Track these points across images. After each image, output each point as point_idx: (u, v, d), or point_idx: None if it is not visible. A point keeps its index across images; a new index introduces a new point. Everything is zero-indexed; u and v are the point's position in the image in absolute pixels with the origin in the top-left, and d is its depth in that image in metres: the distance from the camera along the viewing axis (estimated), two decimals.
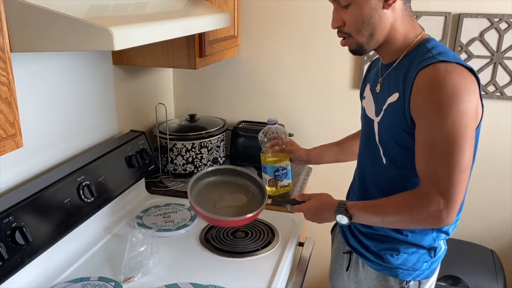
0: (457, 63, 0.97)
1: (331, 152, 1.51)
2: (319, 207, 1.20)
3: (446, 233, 1.16)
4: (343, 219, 1.12)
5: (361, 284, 1.25)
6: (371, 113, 1.18)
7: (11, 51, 0.81)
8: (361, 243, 1.23)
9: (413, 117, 1.00)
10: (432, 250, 1.17)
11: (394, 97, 1.06)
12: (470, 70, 0.98)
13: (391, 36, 1.07)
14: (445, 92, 0.94)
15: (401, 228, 1.13)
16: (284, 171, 1.63)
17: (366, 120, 1.21)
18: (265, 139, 1.60)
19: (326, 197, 1.23)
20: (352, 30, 1.07)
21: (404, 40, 1.08)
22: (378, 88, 1.15)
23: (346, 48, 1.13)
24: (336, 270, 1.38)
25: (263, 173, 1.64)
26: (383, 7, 1.02)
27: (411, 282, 1.17)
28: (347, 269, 1.30)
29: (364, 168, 1.24)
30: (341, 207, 1.12)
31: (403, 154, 1.08)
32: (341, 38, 1.11)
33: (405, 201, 1.04)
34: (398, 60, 1.09)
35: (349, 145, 1.48)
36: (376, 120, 1.14)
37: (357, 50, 1.10)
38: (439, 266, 1.23)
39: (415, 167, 1.05)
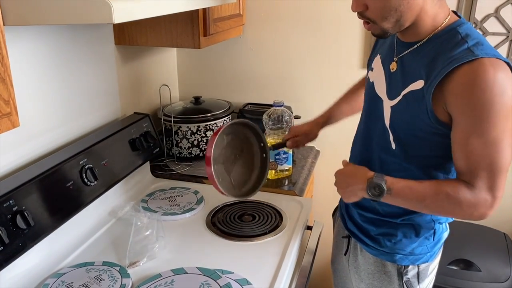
0: (496, 57, 0.90)
1: (342, 113, 1.47)
2: (353, 173, 1.07)
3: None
4: (376, 191, 1.00)
5: (360, 269, 1.22)
6: (381, 92, 1.10)
7: (4, 25, 0.76)
8: (359, 227, 1.20)
9: (452, 114, 0.94)
10: (430, 231, 1.13)
11: (418, 84, 0.98)
12: (508, 63, 0.92)
13: (419, 19, 0.98)
14: (493, 93, 0.88)
15: (435, 215, 1.10)
16: (285, 155, 1.61)
17: (373, 97, 1.13)
18: (270, 121, 1.57)
19: (359, 166, 1.10)
20: (377, 17, 0.97)
21: (433, 22, 0.98)
22: (393, 67, 1.07)
23: (355, 27, 1.07)
24: (336, 254, 1.36)
25: None
26: None
27: (410, 267, 1.14)
28: (345, 254, 1.28)
29: (369, 151, 1.16)
30: (380, 177, 1.01)
31: (419, 143, 1.03)
32: (363, 21, 1.02)
33: (454, 191, 0.96)
34: (422, 42, 1.01)
35: (357, 99, 1.43)
36: (390, 103, 1.06)
37: (381, 35, 1.01)
38: (440, 250, 1.19)
39: (430, 156, 1.02)
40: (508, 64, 0.91)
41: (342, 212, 1.28)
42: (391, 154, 1.08)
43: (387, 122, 1.07)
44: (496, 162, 0.93)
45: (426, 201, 0.98)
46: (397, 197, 1.00)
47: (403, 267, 1.14)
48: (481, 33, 1.73)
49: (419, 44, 1.01)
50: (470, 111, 0.91)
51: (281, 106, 1.59)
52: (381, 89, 1.11)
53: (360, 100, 1.32)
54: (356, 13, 1.01)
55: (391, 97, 1.06)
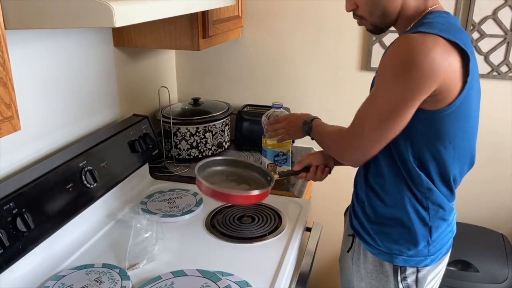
0: (433, 33, 0.93)
1: None
2: (296, 116, 1.35)
3: (441, 207, 1.10)
4: (307, 127, 1.28)
5: (360, 268, 1.23)
6: None
7: (5, 28, 0.76)
8: (362, 225, 1.20)
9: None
10: (425, 233, 1.10)
11: None
12: (450, 41, 0.93)
13: (402, 12, 1.06)
14: (402, 58, 0.94)
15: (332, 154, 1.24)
16: (284, 157, 1.61)
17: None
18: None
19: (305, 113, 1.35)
20: (364, 12, 1.08)
21: (415, 13, 1.06)
22: None
23: (354, 28, 1.13)
24: (343, 252, 1.37)
25: (262, 157, 1.64)
26: None
27: (409, 270, 1.14)
28: (348, 251, 1.29)
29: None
30: (312, 117, 1.30)
31: None
32: (356, 20, 1.13)
33: (339, 132, 1.15)
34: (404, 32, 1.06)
35: None
36: None
37: (374, 30, 1.13)
38: (445, 257, 1.18)
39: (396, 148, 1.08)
40: (455, 44, 0.94)
41: (350, 210, 1.29)
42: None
43: None
44: (366, 108, 1.05)
45: (324, 137, 1.22)
46: (315, 133, 1.26)
47: (400, 268, 1.14)
48: (478, 35, 1.75)
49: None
50: (380, 73, 1.02)
51: (279, 107, 1.59)
52: None
53: None
54: (352, 14, 1.12)
55: None
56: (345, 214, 1.44)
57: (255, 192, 1.27)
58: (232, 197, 1.28)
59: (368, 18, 1.09)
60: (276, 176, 1.42)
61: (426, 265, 1.14)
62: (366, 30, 1.16)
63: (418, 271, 1.14)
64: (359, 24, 1.14)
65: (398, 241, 1.13)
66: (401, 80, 0.95)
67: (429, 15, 1.03)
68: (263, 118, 1.60)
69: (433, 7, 1.05)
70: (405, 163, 1.06)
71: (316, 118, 1.30)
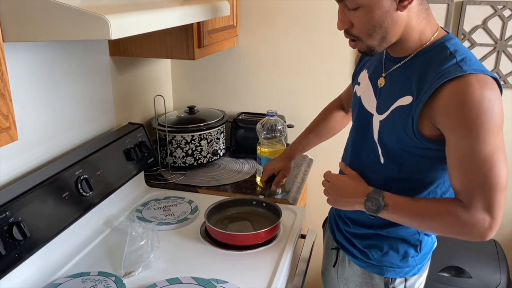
0: (484, 73, 0.91)
1: (311, 145, 1.54)
2: (352, 185, 1.10)
3: None
4: (373, 205, 1.02)
5: (348, 281, 1.23)
6: (370, 106, 1.11)
7: (3, 41, 0.78)
8: (347, 239, 1.21)
9: (444, 132, 0.94)
10: (417, 243, 1.12)
11: (406, 100, 0.99)
12: (495, 79, 0.92)
13: (405, 35, 0.98)
14: (481, 110, 0.88)
15: (431, 232, 1.11)
16: None
17: (362, 112, 1.14)
18: (263, 131, 1.61)
19: (359, 178, 1.12)
20: (362, 34, 0.97)
21: (420, 37, 0.99)
22: (381, 83, 1.08)
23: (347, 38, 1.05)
24: (326, 266, 1.37)
25: (257, 164, 1.66)
26: (397, 9, 0.93)
27: (397, 280, 1.14)
28: (334, 265, 1.29)
29: (358, 163, 1.17)
30: (378, 193, 1.03)
31: (409, 158, 1.03)
32: (349, 39, 1.02)
33: (450, 210, 0.96)
34: (410, 57, 1.01)
35: (325, 132, 1.51)
36: (379, 117, 1.07)
37: (368, 52, 1.02)
38: (428, 263, 1.20)
39: (423, 171, 1.03)
40: (495, 79, 0.92)
41: (331, 224, 1.29)
42: (380, 167, 1.09)
43: (375, 136, 1.08)
44: (490, 181, 0.91)
45: (422, 219, 1.00)
46: (394, 213, 1.02)
47: (391, 279, 1.14)
48: (469, 44, 1.78)
49: (407, 59, 1.02)
50: (459, 129, 0.91)
51: (274, 116, 1.61)
52: (369, 104, 1.12)
53: (327, 129, 1.49)
54: (343, 31, 1.01)
55: (380, 111, 1.07)
56: (323, 226, 1.45)
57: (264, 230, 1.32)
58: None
59: (364, 40, 0.98)
60: (261, 197, 1.49)
61: (414, 274, 1.15)
62: (359, 51, 1.04)
63: (406, 280, 1.15)
64: (352, 46, 1.02)
65: (389, 253, 1.13)
66: (491, 126, 0.90)
67: (447, 43, 0.98)
68: (258, 126, 1.62)
69: (438, 30, 1.01)
70: (422, 183, 1.05)
71: (382, 192, 1.03)
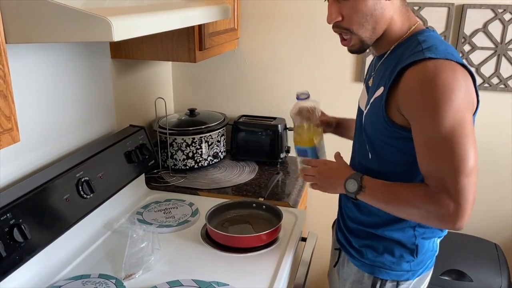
0: (447, 58, 0.92)
1: (344, 125, 1.44)
2: (336, 168, 1.14)
3: (432, 231, 1.10)
4: (352, 186, 1.05)
5: (347, 281, 1.23)
6: (362, 104, 1.16)
7: (6, 43, 0.78)
8: (347, 239, 1.21)
9: (406, 117, 0.96)
10: (413, 247, 1.10)
11: (380, 91, 1.03)
12: (462, 65, 0.93)
13: (388, 28, 1.04)
14: (436, 91, 0.89)
15: (406, 219, 1.07)
16: (323, 149, 1.37)
17: (359, 111, 1.20)
18: (298, 118, 1.36)
19: (346, 164, 1.17)
20: (353, 24, 1.01)
21: (399, 31, 1.04)
22: (371, 82, 1.13)
23: None
24: (331, 266, 1.37)
25: (299, 157, 1.34)
26: None
27: (388, 283, 1.13)
28: (334, 265, 1.29)
29: (354, 158, 1.21)
30: (358, 175, 1.05)
31: (387, 148, 1.04)
32: (341, 38, 1.06)
33: (417, 194, 0.96)
34: (388, 52, 1.06)
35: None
36: (364, 112, 1.11)
37: (359, 48, 1.06)
38: (428, 272, 1.17)
39: (400, 163, 1.03)
40: (464, 66, 0.92)
41: (336, 224, 1.30)
42: (368, 163, 1.11)
43: (364, 130, 1.12)
44: (452, 163, 0.89)
45: (396, 204, 1.00)
46: (369, 195, 1.04)
47: (380, 280, 1.13)
48: (469, 47, 1.78)
49: (386, 54, 1.06)
50: (417, 111, 0.93)
51: (304, 98, 1.37)
52: (362, 101, 1.17)
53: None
54: (332, 26, 1.05)
55: (366, 107, 1.11)
56: (332, 227, 1.45)
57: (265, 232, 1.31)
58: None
59: (356, 31, 1.02)
60: (261, 199, 1.49)
61: (408, 279, 1.13)
62: (349, 51, 1.08)
63: (398, 284, 1.13)
64: (345, 44, 1.06)
65: (383, 255, 1.13)
66: (448, 106, 0.89)
67: (419, 35, 1.01)
68: (291, 114, 1.38)
69: (416, 25, 1.05)
70: (405, 175, 1.04)
71: (362, 175, 1.06)
